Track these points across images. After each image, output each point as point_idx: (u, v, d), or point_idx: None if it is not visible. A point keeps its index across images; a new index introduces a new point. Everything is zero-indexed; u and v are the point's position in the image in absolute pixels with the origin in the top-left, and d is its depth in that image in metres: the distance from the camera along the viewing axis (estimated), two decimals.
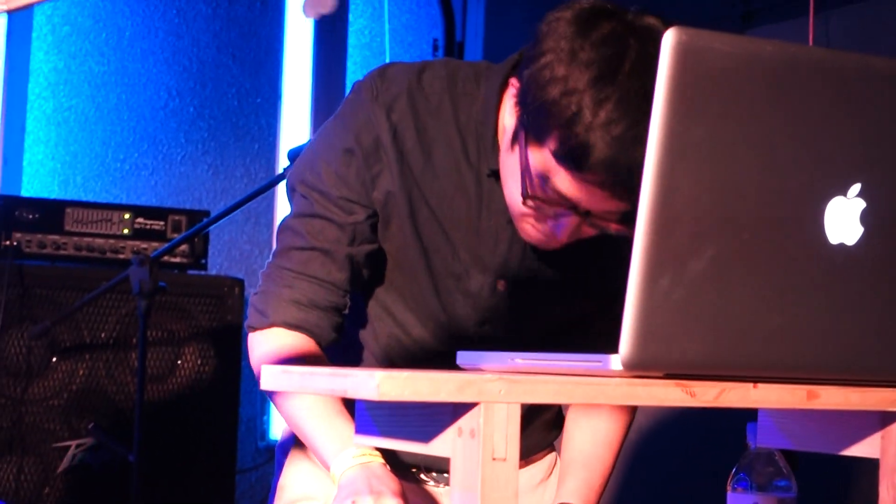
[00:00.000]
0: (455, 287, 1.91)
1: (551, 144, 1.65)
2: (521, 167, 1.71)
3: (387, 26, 4.53)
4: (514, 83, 1.75)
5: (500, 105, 1.84)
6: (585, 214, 1.72)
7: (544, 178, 1.70)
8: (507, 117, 1.77)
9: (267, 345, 1.88)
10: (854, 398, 1.45)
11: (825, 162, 1.39)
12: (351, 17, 4.56)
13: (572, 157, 1.64)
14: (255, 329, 1.90)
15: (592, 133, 1.61)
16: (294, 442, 2.05)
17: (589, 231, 1.76)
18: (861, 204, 1.40)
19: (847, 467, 2.64)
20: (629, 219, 1.64)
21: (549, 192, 1.71)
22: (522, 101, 1.70)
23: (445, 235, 1.88)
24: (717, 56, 1.32)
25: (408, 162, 1.86)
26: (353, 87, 1.92)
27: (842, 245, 1.40)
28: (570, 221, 1.74)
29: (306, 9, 1.09)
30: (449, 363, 1.86)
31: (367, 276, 1.93)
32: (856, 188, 1.40)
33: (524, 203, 1.73)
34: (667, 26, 1.63)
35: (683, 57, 1.30)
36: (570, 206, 1.71)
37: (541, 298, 1.93)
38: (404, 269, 1.93)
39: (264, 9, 4.42)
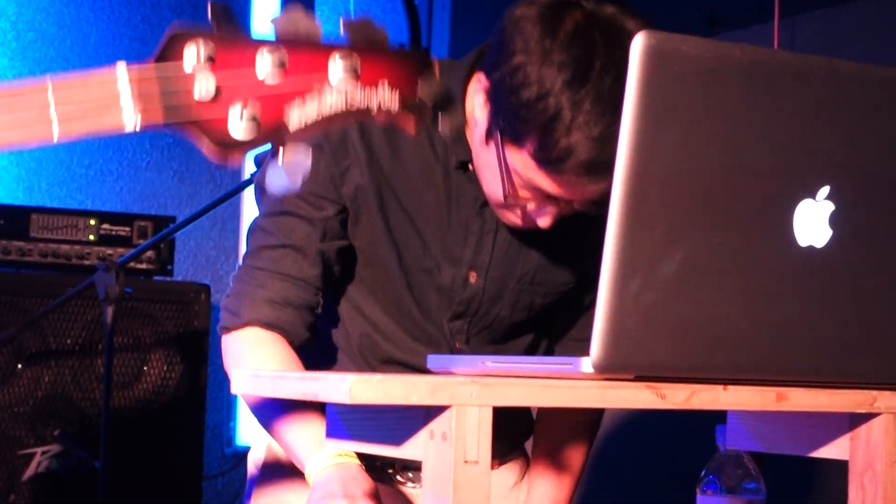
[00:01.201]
0: (427, 282, 1.91)
1: (529, 147, 1.66)
2: (499, 168, 1.71)
3: None
4: (480, 78, 1.75)
5: (464, 99, 1.84)
6: (566, 203, 1.73)
7: (523, 178, 1.70)
8: (478, 110, 1.75)
9: (241, 345, 1.86)
10: (823, 400, 1.45)
11: (794, 165, 1.39)
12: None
13: (553, 160, 1.64)
14: (228, 330, 1.88)
15: (573, 135, 1.61)
16: (266, 460, 2.03)
17: (568, 211, 1.76)
18: (830, 206, 1.40)
19: (815, 469, 2.64)
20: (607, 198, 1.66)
21: (529, 189, 1.72)
22: (495, 102, 1.70)
23: (416, 230, 1.88)
24: (686, 59, 1.32)
25: (376, 157, 1.86)
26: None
27: (811, 247, 1.40)
28: (550, 210, 1.75)
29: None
30: (422, 360, 1.88)
31: (337, 273, 1.92)
32: (824, 191, 1.40)
33: (505, 201, 1.74)
34: (624, 13, 1.65)
35: (653, 60, 1.30)
36: (551, 199, 1.72)
37: (513, 289, 1.92)
38: (375, 265, 1.92)
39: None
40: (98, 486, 2.99)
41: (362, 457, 1.75)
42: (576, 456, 2.03)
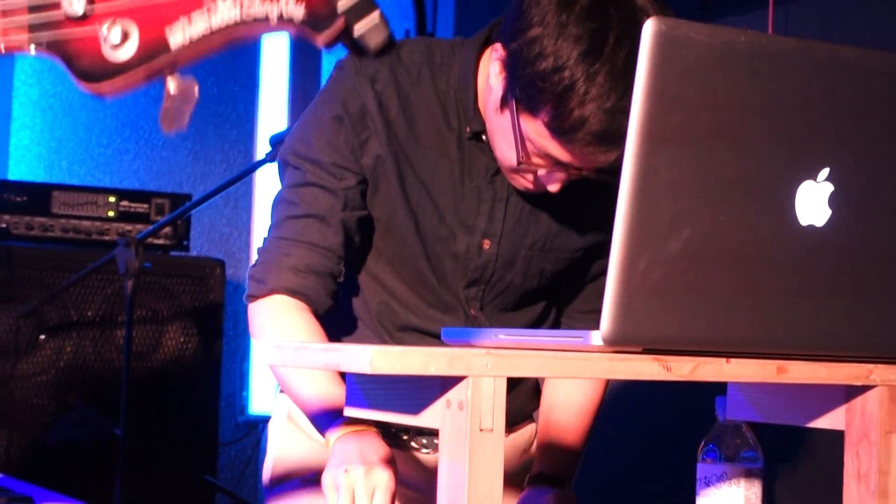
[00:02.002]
0: (443, 250, 1.92)
1: (544, 116, 1.68)
2: (514, 135, 1.73)
3: None
4: (497, 48, 1.76)
5: (476, 71, 1.86)
6: (576, 169, 1.75)
7: (536, 145, 1.72)
8: (493, 79, 1.77)
9: (266, 313, 1.88)
10: (821, 372, 1.46)
11: (796, 147, 1.40)
12: None
13: (567, 130, 1.67)
14: (254, 298, 1.90)
15: (586, 106, 1.64)
16: (286, 425, 2.05)
17: (576, 177, 1.78)
18: (829, 188, 1.41)
19: (810, 439, 2.65)
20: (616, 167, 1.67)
21: (541, 156, 1.74)
22: (511, 71, 1.71)
23: (431, 200, 1.90)
24: (694, 45, 1.33)
25: (393, 129, 1.87)
26: (336, 64, 1.92)
27: (811, 227, 1.40)
28: (560, 176, 1.78)
29: (161, 118, 0.98)
30: (438, 327, 1.87)
31: (357, 243, 1.93)
32: (824, 172, 1.40)
33: (518, 166, 1.76)
34: None
35: (663, 46, 1.31)
36: (562, 165, 1.74)
37: (525, 256, 1.94)
38: (393, 235, 1.93)
39: None
40: (118, 453, 3.01)
41: (378, 424, 1.77)
42: (582, 423, 2.04)
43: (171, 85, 1.03)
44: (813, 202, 1.40)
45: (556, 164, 1.74)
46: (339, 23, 1.03)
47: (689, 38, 1.33)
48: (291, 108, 4.46)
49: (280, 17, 1.03)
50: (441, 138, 1.88)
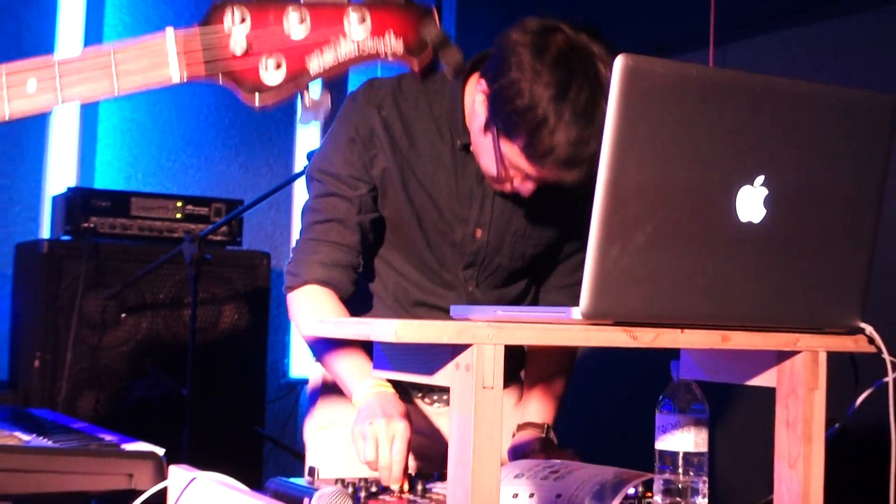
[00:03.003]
0: (443, 240, 1.93)
1: (519, 143, 1.69)
2: (495, 154, 1.75)
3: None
4: (480, 81, 1.77)
5: (463, 96, 1.87)
6: (544, 182, 1.77)
7: (513, 163, 1.74)
8: (478, 106, 1.78)
9: (303, 300, 1.88)
10: (757, 341, 1.46)
11: (737, 158, 1.40)
12: None
13: (539, 155, 1.69)
14: (291, 289, 1.90)
15: (554, 138, 1.65)
16: (321, 388, 2.05)
17: (524, 191, 1.81)
18: (764, 191, 1.41)
19: (747, 394, 2.65)
20: (576, 182, 1.72)
21: (515, 170, 1.76)
22: (493, 105, 1.72)
23: (431, 200, 1.90)
24: (654, 76, 1.33)
25: (397, 145, 1.88)
26: (348, 96, 1.94)
27: (749, 223, 1.41)
28: (530, 185, 1.79)
29: (301, 119, 1.12)
30: (444, 301, 1.92)
31: (372, 239, 1.94)
32: (760, 179, 1.41)
33: (498, 177, 1.78)
34: (593, 40, 1.68)
35: (630, 77, 1.31)
36: (533, 179, 1.76)
37: (510, 242, 1.95)
38: (401, 230, 1.94)
39: None
40: (184, 409, 3.01)
41: (394, 384, 1.78)
42: (558, 383, 2.05)
43: (307, 97, 1.18)
44: (750, 203, 1.41)
45: (527, 177, 1.76)
46: (429, 51, 1.18)
47: (651, 71, 1.33)
48: (324, 127, 4.46)
49: (386, 52, 1.17)
50: (437, 150, 1.89)
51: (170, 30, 1.15)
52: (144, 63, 1.15)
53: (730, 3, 3.15)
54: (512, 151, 1.72)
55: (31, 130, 3.95)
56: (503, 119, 1.70)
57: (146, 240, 3.51)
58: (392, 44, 1.16)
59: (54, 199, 3.61)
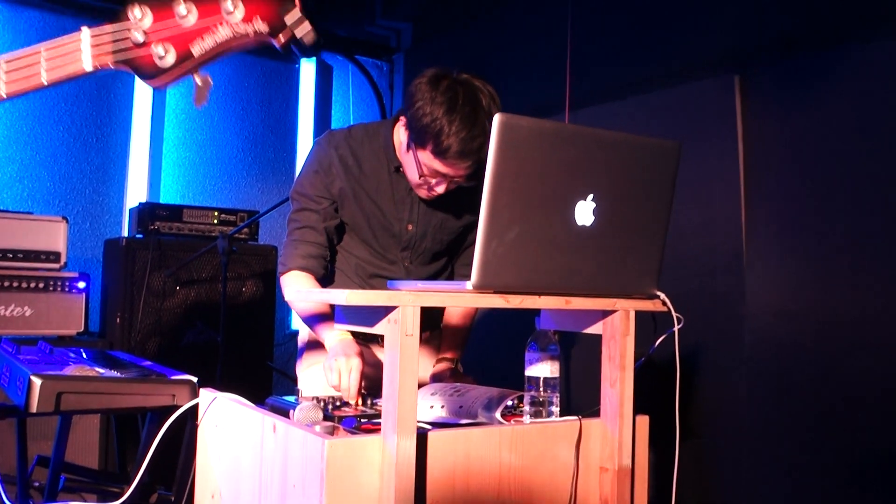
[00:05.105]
0: (386, 233, 1.89)
1: (430, 147, 1.67)
2: (415, 162, 1.73)
3: (351, 111, 4.50)
4: (402, 120, 1.75)
5: (393, 135, 1.84)
6: (450, 178, 1.73)
7: (426, 165, 1.71)
8: (402, 135, 1.76)
9: (290, 281, 1.84)
10: (590, 303, 1.47)
11: (575, 182, 1.40)
12: (334, 106, 4.50)
13: (442, 151, 1.66)
14: (282, 273, 1.86)
15: (451, 138, 1.63)
16: (307, 344, 2.01)
17: (452, 187, 1.76)
18: (593, 205, 1.41)
19: (584, 339, 2.66)
20: (472, 177, 1.70)
21: (429, 171, 1.72)
22: (410, 128, 1.70)
23: (377, 207, 1.86)
24: (522, 129, 1.32)
25: (351, 172, 1.84)
26: (315, 142, 1.90)
27: (584, 226, 1.41)
28: (442, 182, 1.75)
29: (195, 100, 0.96)
30: (390, 274, 1.87)
31: (336, 238, 1.90)
32: (591, 196, 1.40)
33: (419, 179, 1.75)
34: (475, 79, 1.66)
35: (504, 129, 1.30)
36: (441, 175, 1.72)
37: (431, 233, 1.91)
38: (357, 229, 1.90)
39: (286, 108, 4.33)
40: (219, 350, 2.95)
41: (354, 334, 1.76)
42: (463, 331, 2.03)
43: (197, 78, 1.00)
44: (584, 212, 1.40)
45: (438, 174, 1.73)
46: (288, 30, 1.00)
47: (519, 125, 1.32)
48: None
49: (255, 32, 1.00)
50: (378, 173, 1.86)
51: (84, 28, 0.99)
52: (66, 58, 0.98)
53: (581, 79, 3.16)
54: (425, 156, 1.69)
55: (115, 162, 3.86)
56: (416, 135, 1.68)
57: (193, 237, 3.43)
58: (259, 26, 1.00)
59: (131, 210, 3.52)
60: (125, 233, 3.75)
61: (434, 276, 1.97)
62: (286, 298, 1.85)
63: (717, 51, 2.68)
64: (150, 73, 0.99)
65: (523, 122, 1.32)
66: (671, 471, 1.60)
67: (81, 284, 3.09)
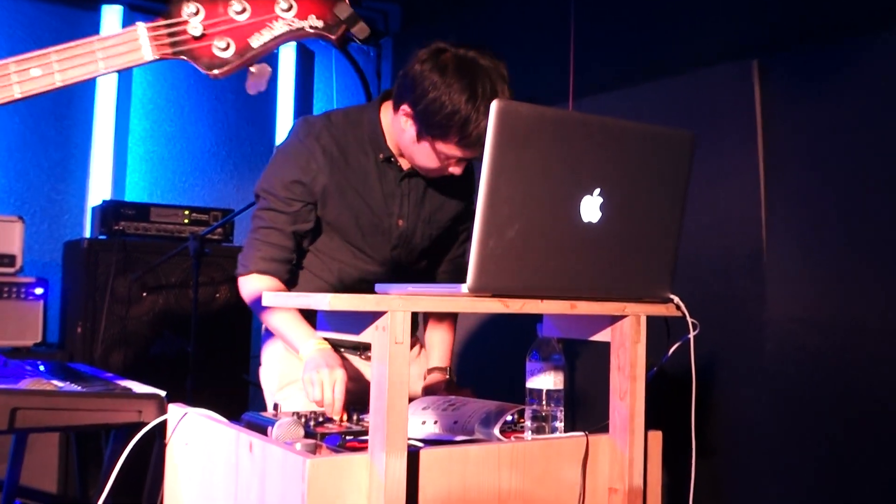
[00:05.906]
0: (375, 231, 1.87)
1: (454, 139, 1.66)
2: (434, 154, 1.72)
3: (335, 100, 4.50)
4: (403, 108, 1.72)
5: (380, 121, 1.81)
6: (466, 159, 1.74)
7: (448, 154, 1.71)
8: (405, 125, 1.73)
9: (249, 284, 1.82)
10: (597, 307, 1.46)
11: (580, 176, 1.39)
12: (316, 95, 4.50)
13: (472, 143, 1.66)
14: (241, 275, 1.84)
15: (480, 126, 1.63)
16: (282, 348, 1.97)
17: (458, 170, 1.77)
18: (600, 200, 1.41)
19: (590, 347, 2.65)
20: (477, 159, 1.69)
21: (451, 158, 1.72)
22: (423, 121, 1.68)
23: (364, 202, 1.84)
24: (522, 116, 1.32)
25: (335, 165, 1.81)
26: (292, 129, 1.85)
27: (590, 222, 1.40)
28: (463, 163, 1.75)
29: (248, 88, 1.12)
30: (379, 277, 1.85)
31: (306, 243, 1.87)
32: (597, 191, 1.40)
33: (436, 165, 1.75)
34: (472, 49, 1.64)
35: (504, 117, 1.30)
36: (461, 158, 1.73)
37: (421, 227, 1.90)
38: (343, 229, 1.87)
39: (264, 97, 4.33)
40: (189, 362, 2.94)
41: (333, 344, 1.74)
42: (450, 336, 2.03)
43: (254, 68, 1.15)
44: (590, 208, 1.40)
45: (460, 161, 1.73)
46: (343, 27, 1.16)
47: (519, 111, 1.32)
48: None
49: (310, 27, 1.15)
50: (364, 164, 1.83)
51: (139, 23, 1.12)
52: (122, 49, 1.11)
53: (584, 68, 3.16)
54: (447, 147, 1.69)
55: (76, 157, 3.84)
56: (434, 127, 1.66)
57: (162, 238, 3.42)
58: (314, 23, 1.16)
59: (93, 209, 3.51)
60: (87, 234, 3.73)
61: (423, 278, 1.97)
62: (247, 301, 1.82)
63: (733, 34, 2.68)
64: (210, 64, 1.13)
65: (523, 110, 1.31)
66: (686, 491, 1.59)
67: (39, 290, 3.08)
